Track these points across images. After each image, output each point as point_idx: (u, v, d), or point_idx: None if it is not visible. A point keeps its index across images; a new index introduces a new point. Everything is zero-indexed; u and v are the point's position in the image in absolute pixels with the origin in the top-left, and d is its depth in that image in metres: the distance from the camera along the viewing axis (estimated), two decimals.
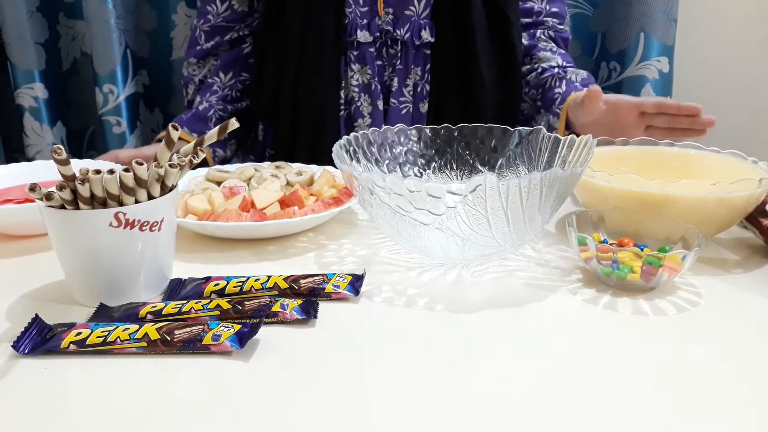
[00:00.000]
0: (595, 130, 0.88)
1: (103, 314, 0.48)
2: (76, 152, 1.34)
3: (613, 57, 1.26)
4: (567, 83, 0.97)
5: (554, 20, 1.05)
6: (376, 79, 0.97)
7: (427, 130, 0.67)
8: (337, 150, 0.58)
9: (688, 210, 0.57)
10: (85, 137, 1.35)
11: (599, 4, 1.28)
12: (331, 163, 0.71)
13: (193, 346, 0.43)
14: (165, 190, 0.51)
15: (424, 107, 0.98)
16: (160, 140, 1.01)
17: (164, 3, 1.27)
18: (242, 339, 0.44)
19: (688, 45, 1.34)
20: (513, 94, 1.03)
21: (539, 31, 1.04)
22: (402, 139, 0.67)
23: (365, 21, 0.95)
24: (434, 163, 0.68)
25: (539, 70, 1.02)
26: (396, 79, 0.97)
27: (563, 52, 1.05)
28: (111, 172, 0.47)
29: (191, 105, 1.08)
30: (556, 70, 1.00)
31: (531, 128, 0.65)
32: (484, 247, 0.53)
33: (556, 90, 0.98)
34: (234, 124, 0.52)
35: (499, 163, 0.67)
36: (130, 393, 0.40)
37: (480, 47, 0.96)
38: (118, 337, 0.43)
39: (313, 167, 0.80)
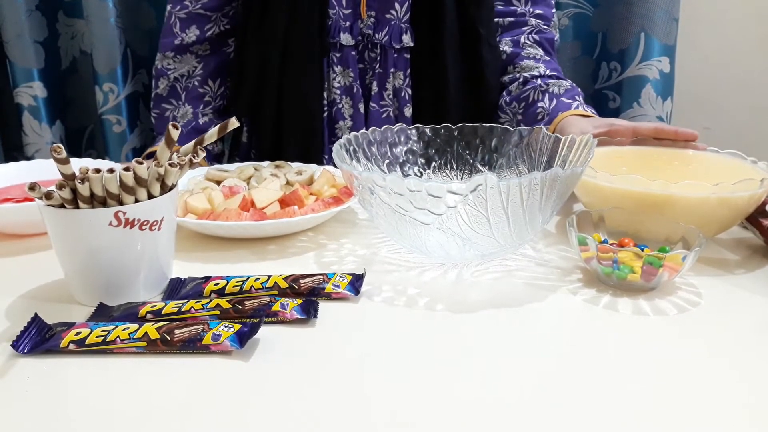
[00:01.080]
0: None
1: (102, 314, 0.48)
2: (75, 151, 1.34)
3: (613, 57, 1.26)
4: (551, 97, 0.93)
5: (539, 21, 1.02)
6: (357, 81, 0.96)
7: (428, 130, 0.67)
8: (337, 149, 0.58)
9: (689, 210, 0.57)
10: (84, 136, 1.35)
11: (600, 4, 1.28)
12: (317, 161, 0.71)
13: (192, 346, 0.43)
14: (165, 189, 0.51)
15: (408, 111, 0.98)
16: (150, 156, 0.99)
17: (163, 2, 1.26)
18: (242, 339, 0.44)
19: (689, 45, 1.34)
20: (482, 109, 1.01)
21: (523, 36, 1.01)
22: (402, 139, 0.67)
23: (348, 23, 0.94)
24: (434, 163, 0.68)
25: (521, 80, 0.99)
26: (375, 83, 0.97)
27: (548, 59, 1.02)
28: (111, 171, 0.47)
29: (160, 99, 1.05)
30: (539, 81, 0.96)
31: (531, 128, 0.65)
32: (484, 246, 0.53)
33: (539, 105, 0.94)
34: (234, 123, 0.52)
35: (499, 162, 0.67)
36: (129, 393, 0.40)
37: (449, 59, 0.95)
38: (118, 336, 0.43)
39: (313, 166, 0.80)
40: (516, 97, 0.99)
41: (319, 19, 0.94)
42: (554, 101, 0.93)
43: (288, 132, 0.99)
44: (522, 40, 1.01)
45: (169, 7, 1.02)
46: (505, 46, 1.01)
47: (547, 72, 0.98)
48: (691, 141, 0.73)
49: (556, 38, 1.04)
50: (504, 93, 1.01)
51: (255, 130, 1.04)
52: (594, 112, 0.91)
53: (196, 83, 1.04)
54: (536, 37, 1.02)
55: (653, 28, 1.20)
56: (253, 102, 1.01)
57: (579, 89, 0.97)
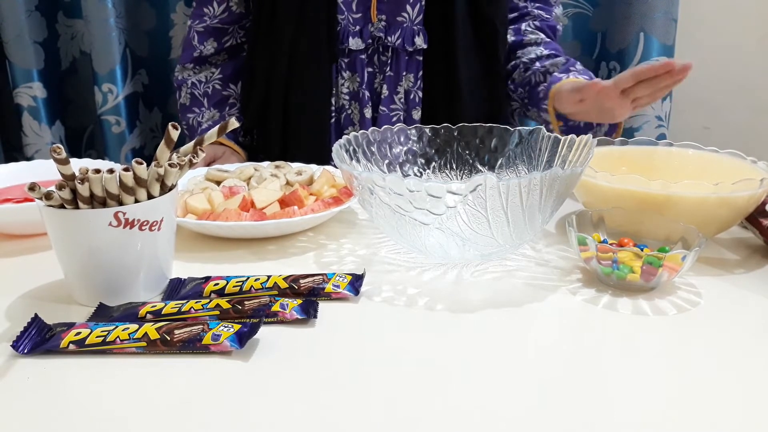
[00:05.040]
0: (586, 117, 0.90)
1: (102, 314, 0.48)
2: (75, 151, 1.34)
3: (612, 57, 1.26)
4: (550, 78, 0.96)
5: (540, 12, 1.04)
6: (364, 86, 0.96)
7: (427, 130, 0.67)
8: (337, 149, 0.58)
9: (689, 210, 0.57)
10: (83, 136, 1.35)
11: (599, 4, 1.28)
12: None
13: (192, 346, 0.43)
14: (165, 189, 0.51)
15: (417, 114, 0.98)
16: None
17: (163, 2, 1.27)
18: (242, 339, 0.44)
19: (689, 45, 1.34)
20: (497, 108, 1.02)
21: (524, 23, 1.03)
22: (402, 139, 0.67)
23: (357, 28, 0.94)
24: (434, 163, 0.68)
25: (522, 68, 1.01)
26: (386, 87, 0.97)
27: (548, 40, 1.03)
28: (111, 171, 0.47)
29: (184, 109, 1.07)
30: (537, 65, 0.99)
31: (531, 128, 0.65)
32: (484, 246, 0.53)
33: (542, 86, 0.97)
34: (234, 123, 0.52)
35: (498, 162, 0.67)
36: (129, 393, 0.40)
37: (461, 58, 0.95)
38: (118, 336, 0.43)
39: (313, 167, 0.80)
40: (521, 83, 1.01)
41: (327, 25, 0.94)
42: (551, 79, 0.96)
43: (295, 139, 0.99)
44: (523, 27, 1.04)
45: (189, 22, 1.05)
46: (509, 36, 1.03)
47: (545, 53, 1.00)
48: (672, 71, 0.74)
49: (558, 26, 1.06)
50: (509, 81, 1.04)
51: (263, 137, 1.04)
52: (590, 77, 0.94)
53: (217, 86, 1.05)
54: (537, 23, 1.04)
55: (652, 28, 1.20)
56: (261, 109, 1.01)
57: (574, 60, 0.99)
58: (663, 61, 0.76)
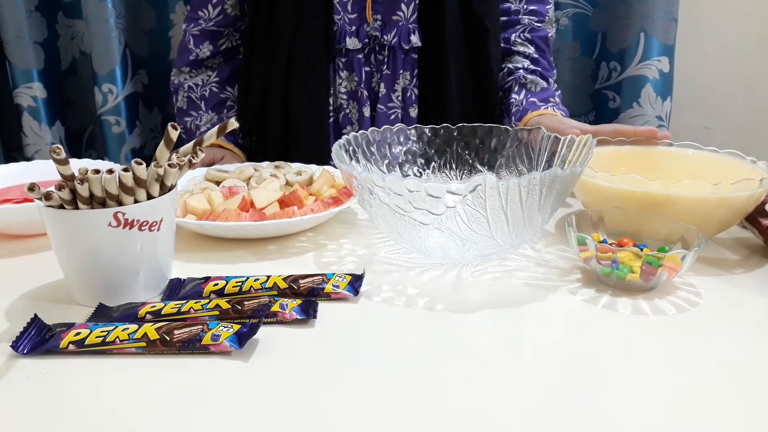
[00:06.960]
0: None
1: (102, 314, 0.48)
2: (75, 152, 1.34)
3: (613, 57, 1.26)
4: (526, 93, 0.98)
5: (532, 18, 1.04)
6: (362, 86, 0.97)
7: (427, 130, 0.67)
8: (337, 150, 0.58)
9: (688, 210, 0.57)
10: (83, 137, 1.35)
11: (599, 4, 1.28)
12: None
13: (192, 346, 0.43)
14: (164, 189, 0.51)
15: (414, 112, 0.98)
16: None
17: (163, 2, 1.27)
18: (241, 339, 0.44)
19: (689, 45, 1.34)
20: (486, 103, 1.03)
21: (515, 33, 1.03)
22: (401, 139, 0.67)
23: (354, 28, 0.95)
24: (434, 163, 0.68)
25: (505, 70, 1.02)
26: (383, 85, 0.97)
27: (536, 56, 1.03)
28: (110, 171, 0.47)
29: (181, 113, 1.07)
30: (521, 72, 1.00)
31: (531, 128, 0.65)
32: (483, 247, 0.53)
33: (513, 96, 0.98)
34: (233, 123, 0.52)
35: (498, 163, 0.67)
36: (129, 393, 0.40)
37: (451, 54, 0.96)
38: (117, 337, 0.43)
39: (313, 167, 0.80)
40: (501, 87, 1.02)
41: (325, 25, 0.94)
42: (527, 99, 0.97)
43: (294, 140, 0.99)
44: (513, 38, 1.03)
45: (184, 26, 1.05)
46: (499, 46, 1.03)
47: (530, 66, 1.01)
48: (653, 138, 0.74)
49: (550, 35, 1.06)
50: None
51: (262, 138, 1.04)
52: (565, 113, 0.96)
53: (214, 89, 1.06)
54: (528, 35, 1.04)
55: (652, 28, 1.20)
56: (260, 111, 1.01)
57: (554, 90, 1.01)
58: (648, 128, 0.75)
